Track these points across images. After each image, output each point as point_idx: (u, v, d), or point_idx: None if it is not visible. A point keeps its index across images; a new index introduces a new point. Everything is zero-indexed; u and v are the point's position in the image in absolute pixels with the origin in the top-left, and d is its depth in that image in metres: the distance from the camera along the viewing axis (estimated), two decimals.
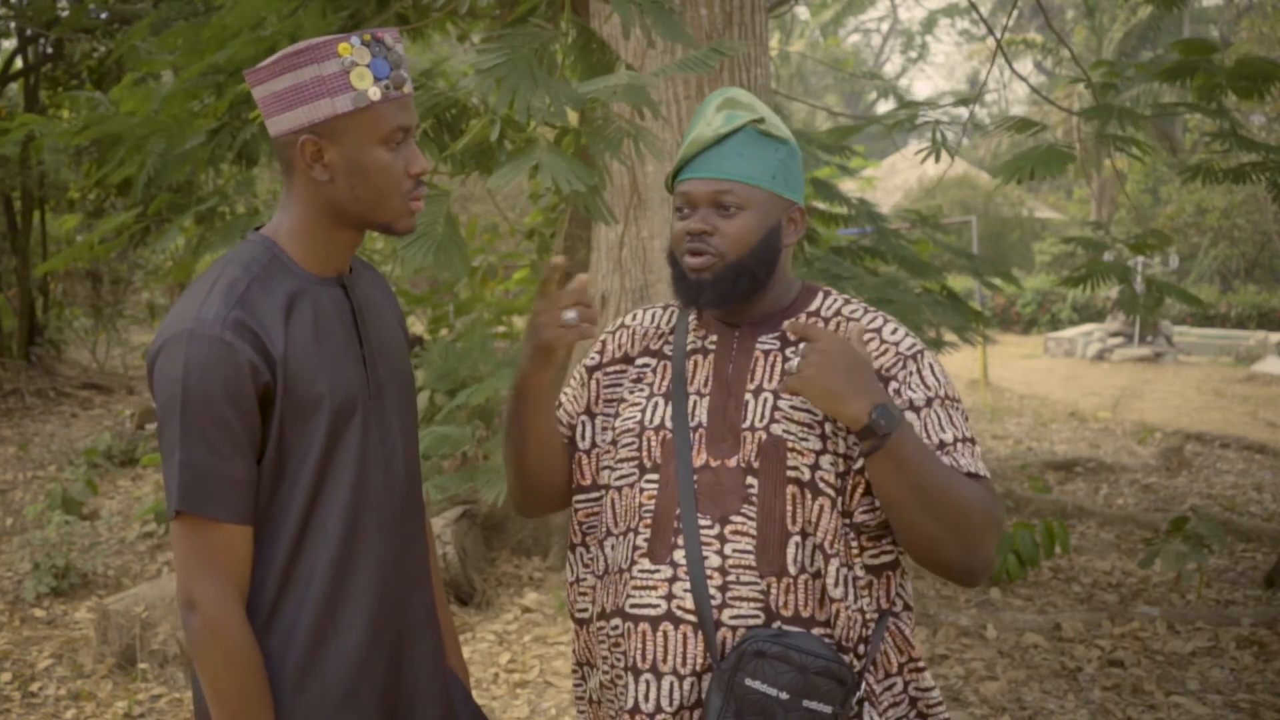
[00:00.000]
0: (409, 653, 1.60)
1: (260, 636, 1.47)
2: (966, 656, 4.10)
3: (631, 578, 1.58)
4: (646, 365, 1.70)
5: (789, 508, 1.54)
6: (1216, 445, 8.58)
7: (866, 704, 1.54)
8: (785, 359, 1.60)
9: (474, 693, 3.80)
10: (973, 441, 1.57)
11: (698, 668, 1.53)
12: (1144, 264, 14.05)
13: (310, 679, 1.48)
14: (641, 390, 1.68)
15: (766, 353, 1.62)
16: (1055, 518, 5.94)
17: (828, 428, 1.54)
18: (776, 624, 1.52)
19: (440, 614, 1.75)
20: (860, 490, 1.54)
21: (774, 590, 1.52)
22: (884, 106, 30.60)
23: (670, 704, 1.53)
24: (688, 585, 1.53)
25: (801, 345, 1.54)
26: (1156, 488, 7.12)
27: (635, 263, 4.56)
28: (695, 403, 1.62)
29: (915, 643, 1.62)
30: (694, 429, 1.60)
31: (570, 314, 1.54)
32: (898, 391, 1.56)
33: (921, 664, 1.62)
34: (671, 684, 1.54)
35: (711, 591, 1.52)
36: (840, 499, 1.54)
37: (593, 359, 1.76)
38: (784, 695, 1.45)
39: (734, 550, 1.53)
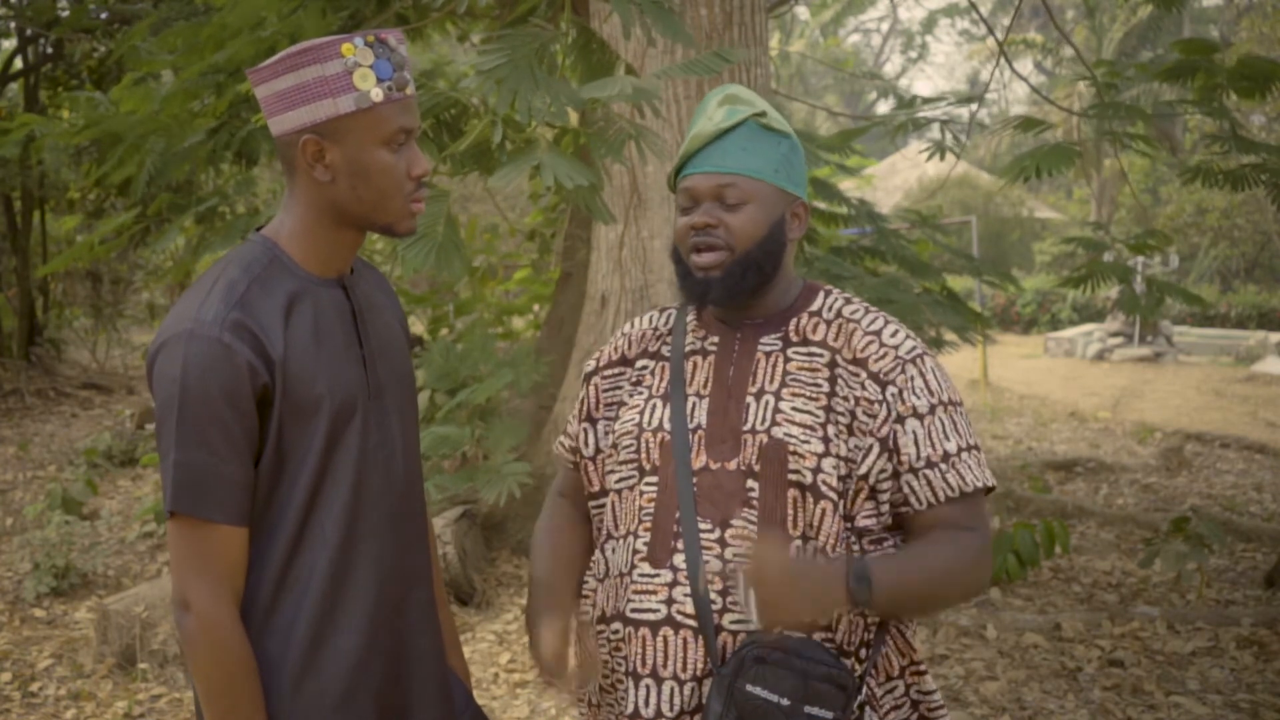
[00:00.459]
0: (408, 653, 1.59)
1: (257, 637, 1.47)
2: (966, 656, 4.10)
3: (632, 582, 1.57)
4: (645, 368, 1.69)
5: (790, 511, 1.52)
6: (1216, 445, 8.58)
7: (868, 708, 1.53)
8: (787, 359, 1.59)
9: (474, 693, 3.80)
10: (976, 447, 1.57)
11: (698, 673, 1.52)
12: (1144, 264, 14.06)
13: (308, 680, 1.48)
14: (640, 393, 1.67)
15: (768, 354, 1.60)
16: (1055, 518, 5.94)
17: (830, 431, 1.53)
18: (777, 630, 1.51)
19: (441, 614, 1.74)
20: (863, 496, 1.54)
21: None
22: (884, 106, 30.58)
23: (670, 709, 1.53)
24: (687, 590, 1.52)
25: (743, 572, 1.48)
26: (1156, 488, 7.12)
27: (635, 263, 4.56)
28: (694, 404, 1.60)
29: (916, 645, 1.61)
30: (693, 431, 1.59)
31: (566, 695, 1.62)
32: (898, 396, 1.54)
33: (923, 667, 1.61)
34: (672, 689, 1.53)
35: (712, 596, 1.51)
36: (842, 502, 1.53)
37: (590, 365, 1.75)
38: (785, 701, 1.44)
39: (735, 554, 1.52)
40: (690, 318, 1.69)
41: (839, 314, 1.62)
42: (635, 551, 1.58)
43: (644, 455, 1.61)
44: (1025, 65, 27.59)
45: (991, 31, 6.00)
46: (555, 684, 1.61)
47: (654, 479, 1.59)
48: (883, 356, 1.57)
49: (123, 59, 5.91)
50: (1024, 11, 27.04)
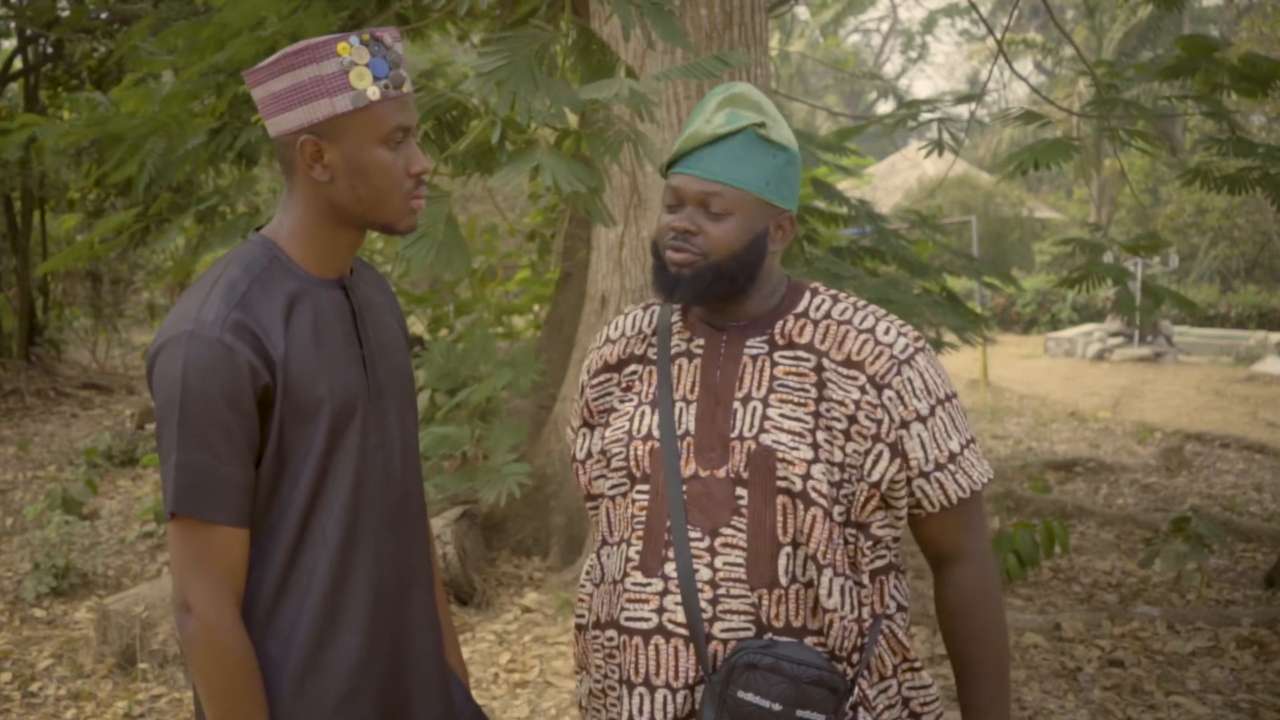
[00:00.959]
0: (408, 653, 1.59)
1: (259, 639, 1.47)
2: None
3: (625, 590, 1.57)
4: (634, 373, 1.67)
5: (779, 519, 1.52)
6: (1216, 445, 8.58)
7: (860, 709, 1.53)
8: (774, 364, 1.57)
9: (474, 693, 3.80)
10: (973, 439, 1.60)
11: (690, 681, 1.52)
12: (1144, 264, 14.06)
13: (310, 681, 1.48)
14: (630, 399, 1.65)
15: (755, 358, 1.58)
16: (1055, 518, 5.94)
17: (820, 436, 1.52)
18: (768, 636, 1.51)
19: (440, 614, 1.74)
20: (874, 504, 1.54)
21: (765, 602, 1.51)
22: (884, 106, 30.61)
23: (664, 717, 1.53)
24: (678, 599, 1.52)
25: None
26: (1156, 488, 7.12)
27: (635, 263, 4.56)
28: (682, 410, 1.59)
29: (910, 643, 1.60)
30: (681, 438, 1.57)
31: None
32: (897, 400, 1.53)
33: (918, 663, 1.61)
34: (665, 697, 1.53)
35: (702, 605, 1.51)
36: (835, 509, 1.52)
37: (583, 377, 1.74)
38: (776, 706, 1.43)
39: (724, 563, 1.52)
40: (675, 318, 1.67)
41: (828, 314, 1.60)
42: (628, 560, 1.58)
43: (634, 463, 1.60)
44: (1025, 65, 27.60)
45: (991, 31, 6.01)
46: None
47: (645, 487, 1.59)
48: (878, 358, 1.55)
49: (123, 59, 5.91)
50: (1024, 11, 27.05)
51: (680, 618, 1.52)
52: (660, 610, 1.54)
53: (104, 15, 8.83)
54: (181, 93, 4.39)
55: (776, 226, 1.58)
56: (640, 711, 1.54)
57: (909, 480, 1.54)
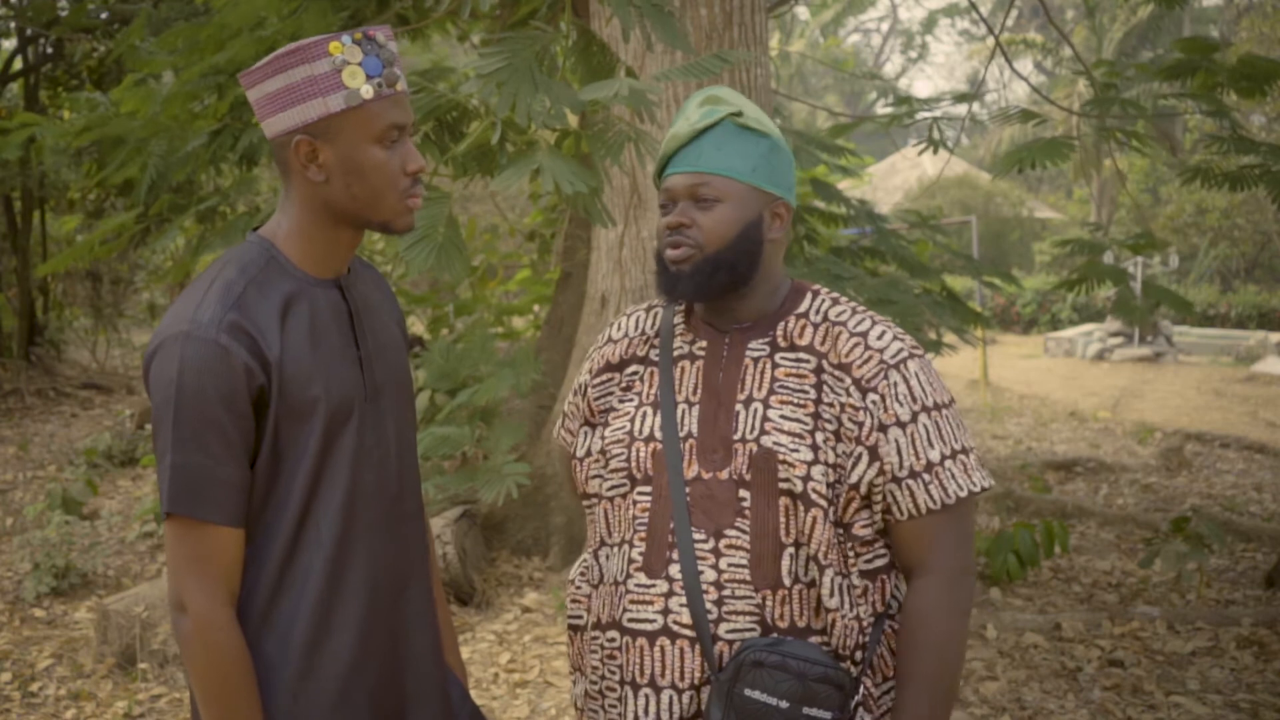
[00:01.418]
0: (405, 653, 1.60)
1: (255, 639, 1.47)
2: (967, 656, 4.11)
3: (628, 591, 1.58)
4: (635, 374, 1.68)
5: (782, 520, 1.52)
6: (1216, 445, 8.58)
7: (861, 709, 1.53)
8: (775, 365, 1.58)
9: (474, 693, 3.80)
10: (965, 451, 1.55)
11: (696, 681, 1.53)
12: (1144, 264, 14.07)
13: (306, 680, 1.48)
14: (630, 399, 1.66)
15: (756, 360, 1.59)
16: (1055, 518, 5.94)
17: (818, 438, 1.53)
18: (773, 635, 1.51)
19: (438, 614, 1.74)
20: (856, 505, 1.53)
21: (769, 603, 1.52)
22: (884, 106, 30.57)
23: (670, 717, 1.54)
24: (684, 600, 1.52)
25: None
26: (1156, 488, 7.12)
27: (635, 263, 4.56)
28: (684, 412, 1.60)
29: None
30: (684, 440, 1.58)
31: None
32: (880, 404, 1.53)
33: None
34: (671, 698, 1.54)
35: (708, 606, 1.52)
36: (832, 509, 1.52)
37: (584, 377, 1.75)
38: (784, 704, 1.44)
39: (729, 564, 1.52)
40: (678, 320, 1.68)
41: (826, 316, 1.60)
42: (631, 561, 1.58)
43: (634, 464, 1.60)
44: (1025, 65, 27.61)
45: (991, 30, 6.01)
46: None
47: (647, 488, 1.59)
48: (866, 361, 1.55)
49: (123, 59, 5.91)
50: (1024, 11, 27.05)
51: (686, 619, 1.52)
52: (665, 611, 1.54)
53: (104, 15, 8.83)
54: (182, 93, 4.39)
55: (772, 214, 1.60)
56: (645, 712, 1.55)
57: (884, 484, 1.53)
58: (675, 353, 1.65)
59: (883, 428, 1.52)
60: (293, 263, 1.51)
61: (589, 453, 1.70)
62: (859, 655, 1.54)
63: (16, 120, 5.55)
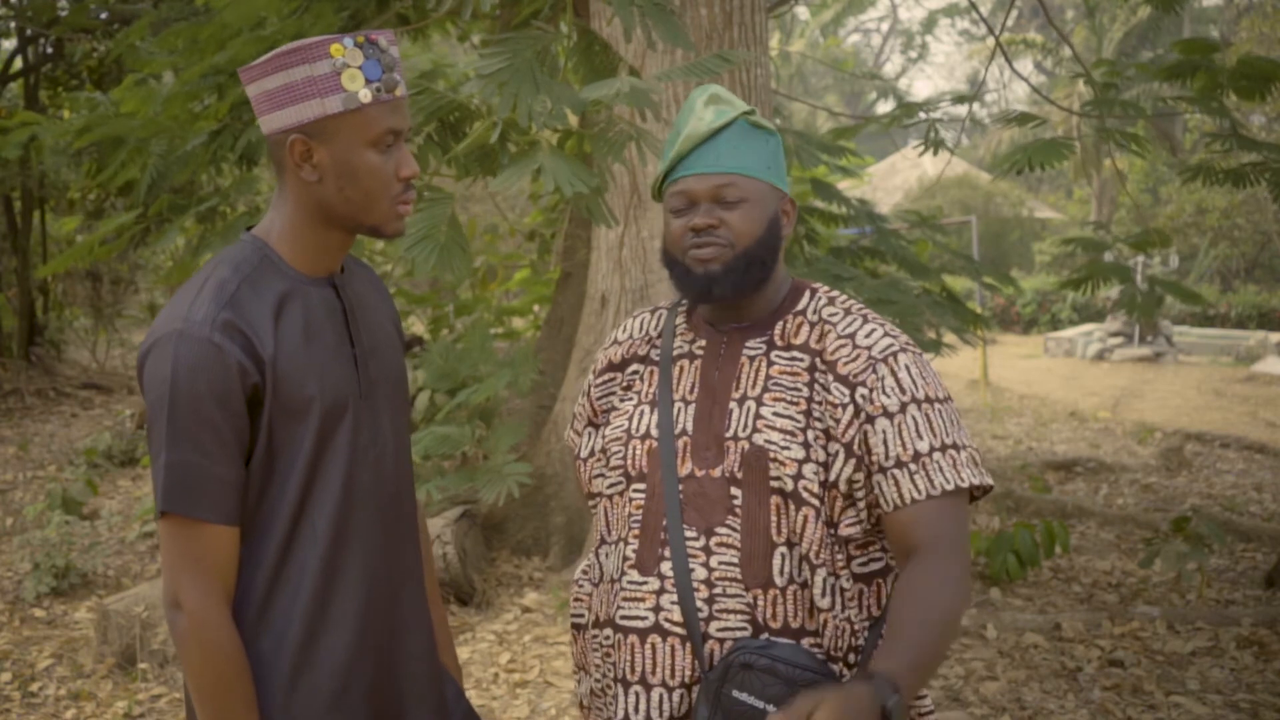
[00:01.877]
0: (400, 651, 1.60)
1: (250, 637, 1.47)
2: (966, 656, 4.11)
3: (621, 589, 1.58)
4: (636, 373, 1.68)
5: (773, 518, 1.51)
6: (1216, 445, 8.58)
7: None
8: (770, 363, 1.57)
9: (474, 693, 3.80)
10: (957, 447, 1.51)
11: (686, 679, 1.52)
12: (1144, 265, 14.07)
13: (302, 678, 1.49)
14: (630, 398, 1.67)
15: (752, 358, 1.59)
16: (1055, 518, 5.94)
17: (809, 435, 1.52)
18: (764, 635, 1.51)
19: (433, 612, 1.75)
20: (840, 503, 1.52)
21: (760, 602, 1.51)
22: (884, 106, 30.60)
23: (660, 715, 1.53)
24: (675, 598, 1.52)
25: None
26: (1156, 488, 7.12)
27: (635, 263, 4.56)
28: (680, 410, 1.59)
29: None
30: (678, 437, 1.58)
31: None
32: (868, 398, 1.51)
33: None
34: (661, 695, 1.54)
35: (698, 604, 1.51)
36: (824, 509, 1.51)
37: (589, 378, 1.75)
38: (770, 707, 1.43)
39: (719, 563, 1.52)
40: (680, 320, 1.68)
41: (820, 315, 1.60)
42: (625, 559, 1.58)
43: (631, 462, 1.61)
44: (1025, 65, 27.61)
45: (991, 30, 6.01)
46: None
47: (642, 486, 1.59)
48: (854, 359, 1.54)
49: (123, 59, 5.91)
50: (1024, 11, 27.05)
51: (677, 617, 1.52)
52: (657, 609, 1.54)
53: (104, 15, 8.83)
54: (182, 94, 4.39)
55: (782, 211, 1.61)
56: (636, 710, 1.55)
57: (869, 475, 1.51)
58: (675, 352, 1.65)
59: (870, 419, 1.50)
60: (286, 261, 1.51)
61: (592, 452, 1.70)
62: (851, 658, 1.53)
63: (16, 120, 5.56)
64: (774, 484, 1.51)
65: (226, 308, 1.43)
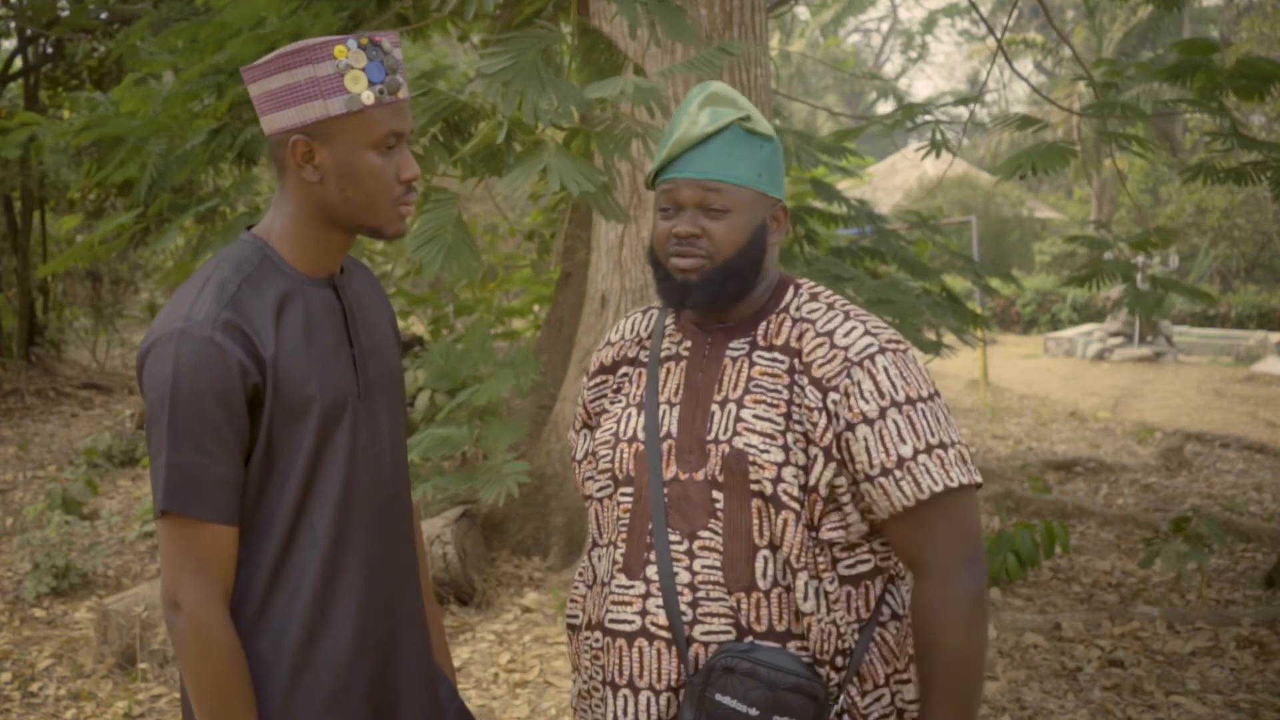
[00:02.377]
0: (398, 651, 1.60)
1: (250, 637, 1.47)
2: None
3: (610, 592, 1.58)
4: (625, 375, 1.68)
5: (755, 522, 1.50)
6: (1216, 445, 8.58)
7: (847, 716, 1.52)
8: (752, 364, 1.56)
9: (474, 693, 3.80)
10: (944, 445, 1.48)
11: (673, 683, 1.52)
12: (1144, 264, 14.05)
13: (301, 678, 1.49)
14: (619, 401, 1.66)
15: (735, 359, 1.57)
16: (1055, 518, 5.94)
17: (789, 439, 1.50)
18: (749, 639, 1.50)
19: (428, 612, 1.75)
20: (820, 508, 1.50)
21: (744, 605, 1.50)
22: (884, 106, 30.60)
23: (647, 718, 1.54)
24: (660, 601, 1.52)
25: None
26: (1156, 488, 7.12)
27: (635, 263, 4.56)
28: (665, 412, 1.58)
29: (904, 654, 1.57)
30: (663, 440, 1.57)
31: None
32: (842, 403, 1.48)
33: (907, 676, 1.57)
34: (648, 699, 1.54)
35: (683, 608, 1.51)
36: (805, 512, 1.50)
37: (584, 381, 1.75)
38: (753, 711, 1.42)
39: (702, 566, 1.51)
40: (669, 321, 1.67)
41: (801, 313, 1.58)
42: (614, 562, 1.58)
43: (618, 465, 1.60)
44: (1025, 65, 27.60)
45: (991, 31, 6.01)
46: None
47: (629, 489, 1.59)
48: (829, 360, 1.51)
49: (123, 59, 5.90)
50: (1024, 11, 27.05)
51: (662, 620, 1.52)
52: (643, 613, 1.54)
53: (104, 15, 8.83)
54: (182, 93, 4.39)
55: (772, 218, 1.59)
56: (624, 713, 1.55)
57: (856, 483, 1.50)
58: (663, 353, 1.64)
59: (849, 426, 1.48)
60: (286, 261, 1.51)
61: (586, 454, 1.70)
62: (840, 661, 1.51)
63: (16, 120, 5.55)
64: (754, 487, 1.50)
65: (228, 307, 1.43)
